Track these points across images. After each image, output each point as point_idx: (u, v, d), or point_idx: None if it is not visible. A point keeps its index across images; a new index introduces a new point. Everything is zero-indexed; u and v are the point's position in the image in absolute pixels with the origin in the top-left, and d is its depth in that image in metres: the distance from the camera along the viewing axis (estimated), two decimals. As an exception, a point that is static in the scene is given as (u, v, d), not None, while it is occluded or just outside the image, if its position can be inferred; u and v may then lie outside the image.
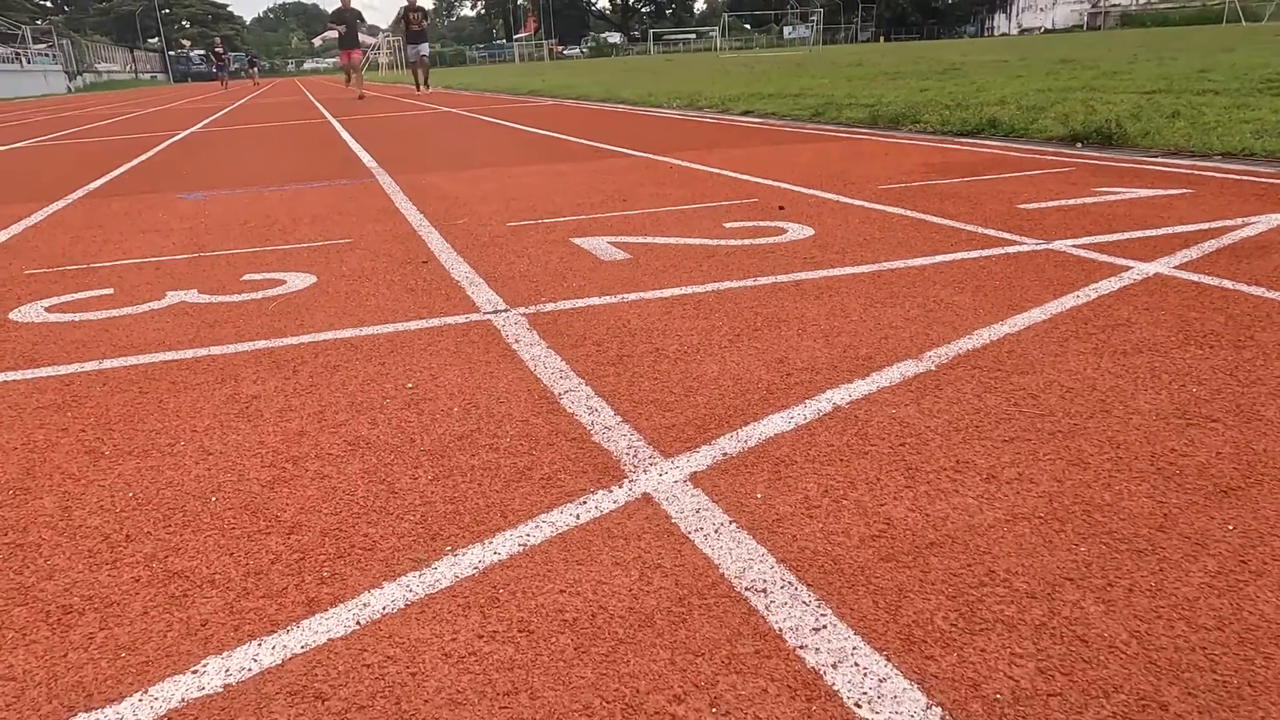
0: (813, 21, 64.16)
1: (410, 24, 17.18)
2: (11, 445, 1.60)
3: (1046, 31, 77.21)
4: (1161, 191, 3.52)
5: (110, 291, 2.73)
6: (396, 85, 25.94)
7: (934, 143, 5.57)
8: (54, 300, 2.64)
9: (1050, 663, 0.92)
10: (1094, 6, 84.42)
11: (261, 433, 1.61)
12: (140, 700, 0.94)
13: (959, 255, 2.65)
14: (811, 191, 3.90)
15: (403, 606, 1.07)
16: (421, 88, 17.80)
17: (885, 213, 3.35)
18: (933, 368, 1.76)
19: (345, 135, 8.64)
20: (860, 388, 1.67)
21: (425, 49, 17.56)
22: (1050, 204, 3.37)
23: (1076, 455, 1.37)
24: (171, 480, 1.44)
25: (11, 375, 1.98)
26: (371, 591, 1.11)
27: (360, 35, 18.08)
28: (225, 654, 1.00)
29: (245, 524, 1.29)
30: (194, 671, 0.98)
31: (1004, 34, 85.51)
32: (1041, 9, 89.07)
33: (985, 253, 2.67)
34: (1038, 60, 14.90)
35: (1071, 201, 3.40)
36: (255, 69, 46.39)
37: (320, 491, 1.38)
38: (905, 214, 3.30)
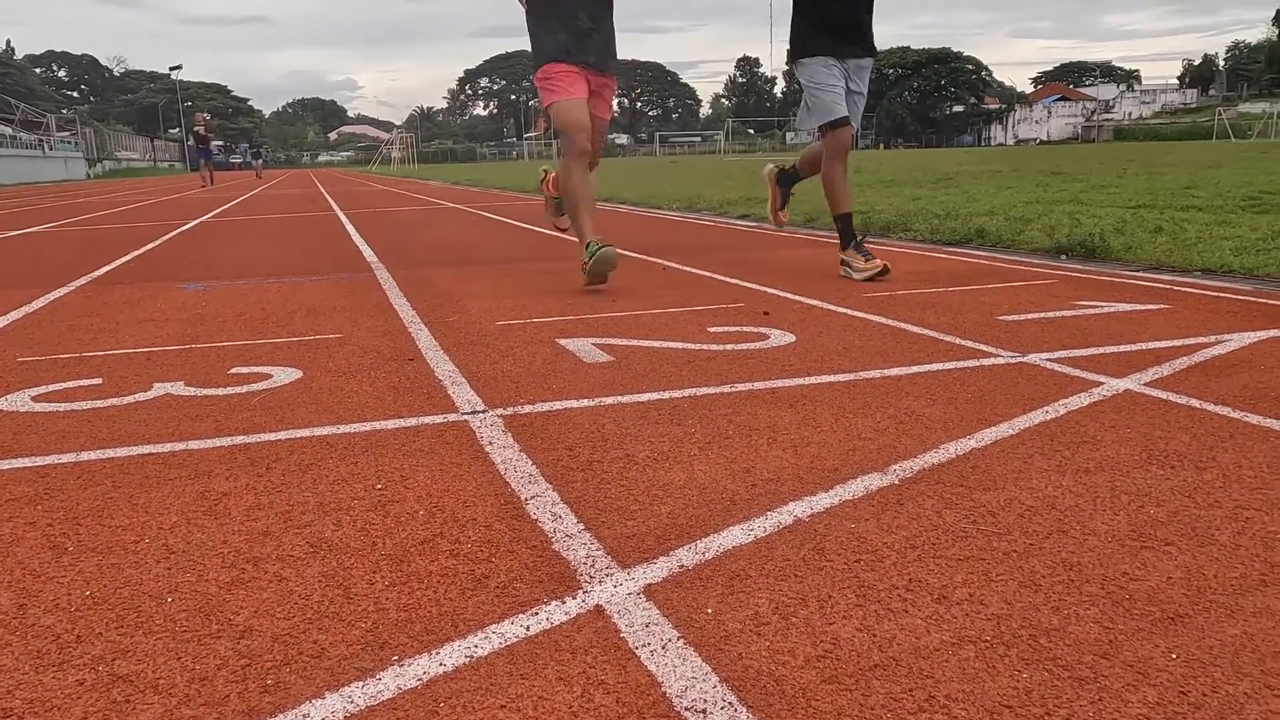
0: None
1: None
2: (-23, 538, 1.61)
3: (1042, 143, 79.53)
4: (1140, 306, 3.59)
5: (99, 381, 2.77)
6: (407, 180, 26.59)
7: (923, 251, 5.70)
8: (41, 389, 2.68)
9: (981, 795, 0.92)
10: (1088, 120, 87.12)
11: (226, 531, 1.62)
12: (65, 811, 0.93)
13: (935, 366, 2.70)
14: (797, 298, 3.98)
15: (342, 719, 1.07)
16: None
17: (868, 320, 3.41)
18: (896, 481, 1.78)
19: (350, 228, 8.83)
20: (823, 500, 1.69)
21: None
22: (1030, 316, 3.44)
23: (1029, 576, 1.38)
24: (130, 579, 1.45)
25: (-12, 466, 2.00)
26: (313, 701, 1.10)
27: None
28: (157, 764, 1.00)
29: (197, 627, 1.29)
30: (124, 782, 0.97)
31: (1000, 144, 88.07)
32: (1037, 121, 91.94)
33: (961, 364, 2.71)
34: (1029, 171, 15.32)
35: (1051, 314, 3.47)
36: (259, 160, 44.92)
37: (276, 594, 1.38)
38: (887, 323, 3.37)
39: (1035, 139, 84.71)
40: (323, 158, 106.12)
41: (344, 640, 1.25)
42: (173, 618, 1.32)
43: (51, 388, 2.70)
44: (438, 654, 1.20)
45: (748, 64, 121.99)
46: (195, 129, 28.75)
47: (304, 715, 1.08)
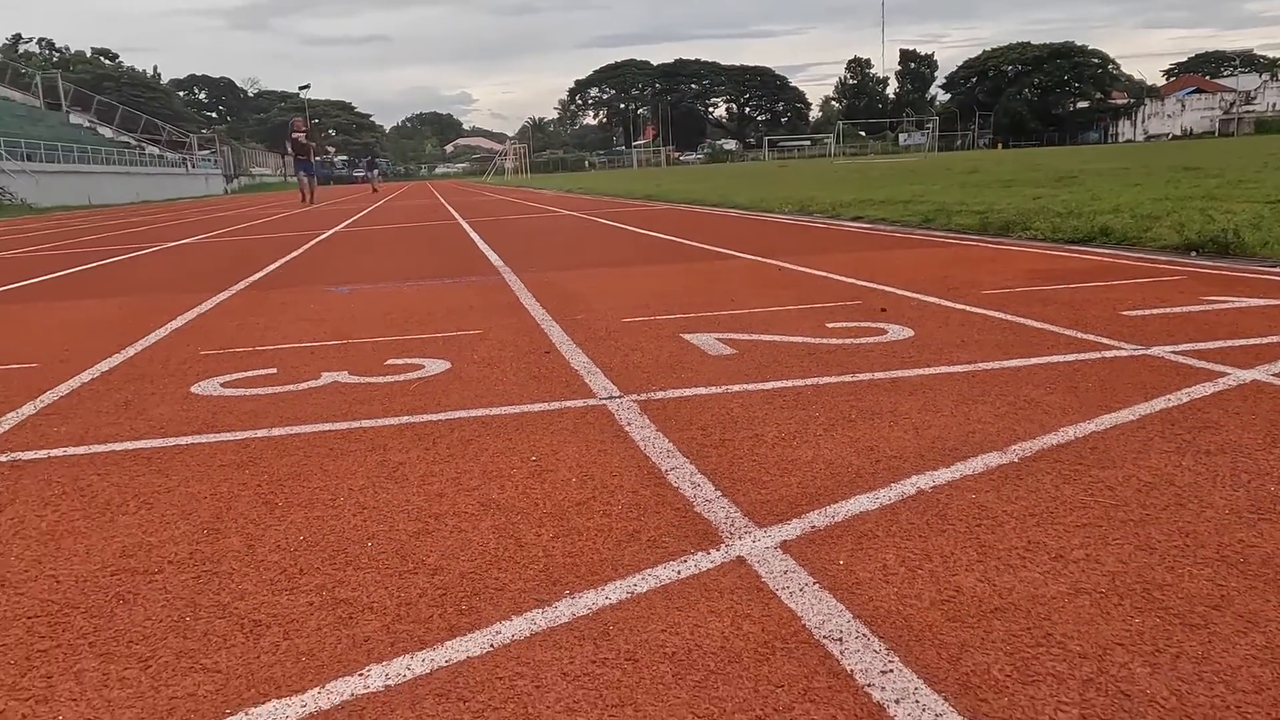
0: (928, 129, 64.59)
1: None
2: (202, 495, 1.89)
3: (1174, 138, 75.39)
4: (1272, 301, 3.52)
5: (274, 371, 3.10)
6: (520, 189, 27.35)
7: (1043, 250, 5.64)
8: (227, 377, 3.02)
9: (1092, 711, 1.04)
10: (1226, 113, 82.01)
11: (407, 493, 1.86)
12: (319, 693, 1.15)
13: (1055, 358, 2.75)
14: (914, 295, 4.04)
15: (528, 635, 1.27)
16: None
17: (986, 316, 3.46)
18: (1015, 459, 1.87)
19: (473, 235, 9.25)
20: (944, 475, 1.81)
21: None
22: (1154, 311, 3.42)
23: (1145, 541, 1.47)
24: (333, 528, 1.69)
25: (198, 438, 2.31)
26: (502, 623, 1.30)
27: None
28: (384, 663, 1.21)
29: (396, 565, 1.52)
30: (360, 674, 1.19)
31: (1128, 140, 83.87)
32: (1169, 115, 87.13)
33: (1081, 356, 2.76)
34: (1159, 168, 14.69)
35: (1176, 309, 3.44)
36: (375, 171, 41.66)
37: (458, 542, 1.60)
38: (1005, 318, 3.41)
39: (1167, 134, 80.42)
40: (439, 170, 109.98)
41: (521, 578, 1.45)
42: (374, 558, 1.55)
43: (235, 376, 3.04)
44: (603, 590, 1.39)
45: (859, 65, 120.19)
46: (293, 135, 21.77)
47: (496, 633, 1.28)
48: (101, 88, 68.91)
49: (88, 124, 53.07)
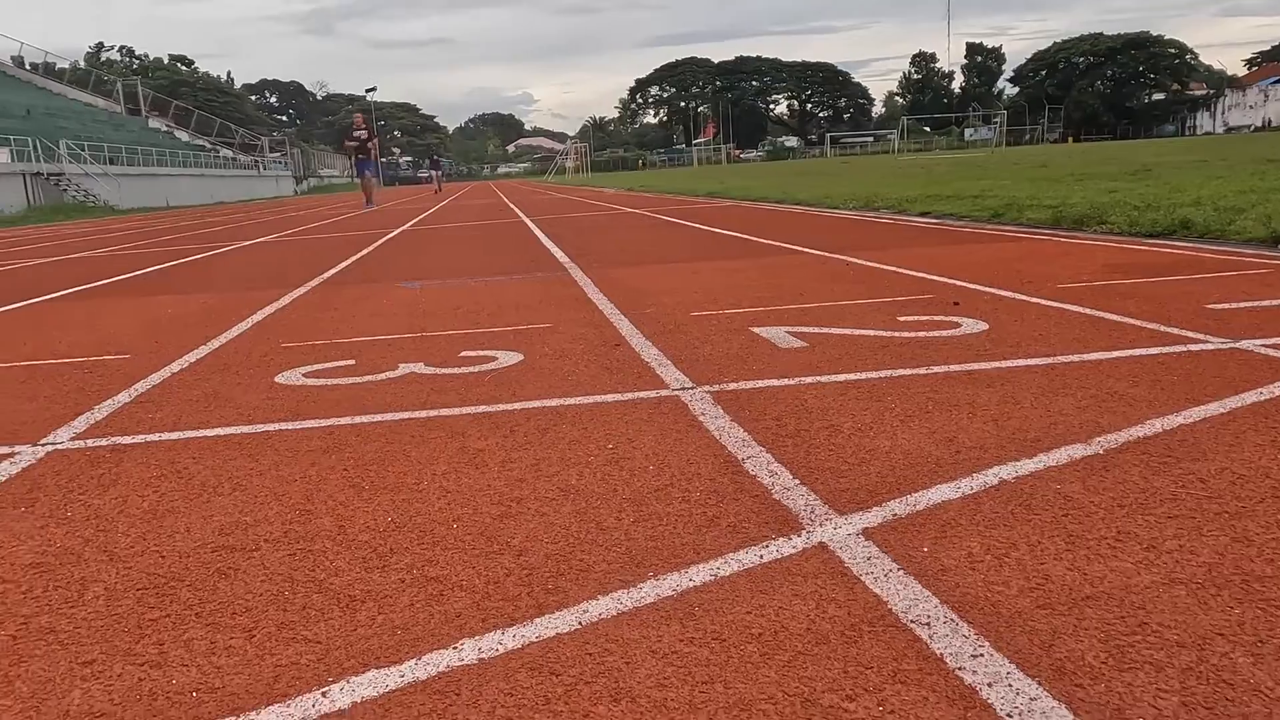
0: (995, 123, 63.23)
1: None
2: (292, 478, 1.96)
3: (1256, 129, 72.59)
4: (1369, 294, 3.38)
5: (352, 362, 3.18)
6: (582, 187, 27.52)
7: (1120, 244, 5.49)
8: (308, 368, 3.11)
9: (1194, 699, 1.02)
10: (1313, 102, 78.68)
11: (488, 478, 1.89)
12: (416, 664, 1.19)
13: (1138, 351, 2.68)
14: (987, 289, 3.97)
15: (615, 614, 1.29)
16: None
17: (1063, 310, 3.39)
18: (1101, 451, 1.84)
19: (538, 233, 9.35)
20: (1026, 465, 1.78)
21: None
22: (1241, 305, 3.31)
23: (1241, 533, 1.43)
24: (419, 510, 1.74)
25: (285, 425, 2.38)
26: (589, 602, 1.33)
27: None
28: (477, 637, 1.25)
29: (482, 546, 1.55)
30: (454, 648, 1.22)
31: (1207, 132, 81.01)
32: (1251, 106, 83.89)
33: (1166, 349, 2.69)
34: (1242, 160, 14.17)
35: (1265, 303, 3.33)
36: (438, 172, 39.20)
37: (540, 525, 1.63)
38: (1084, 311, 3.34)
39: (1249, 125, 77.42)
40: (501, 169, 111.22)
41: (604, 560, 1.47)
42: (460, 539, 1.59)
43: (316, 367, 3.13)
44: (687, 572, 1.40)
45: (923, 59, 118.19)
46: (355, 133, 20.39)
47: (584, 610, 1.30)
48: (178, 93, 71.24)
49: (165, 128, 54.94)
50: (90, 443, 2.32)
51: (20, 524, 1.78)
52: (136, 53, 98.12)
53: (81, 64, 66.16)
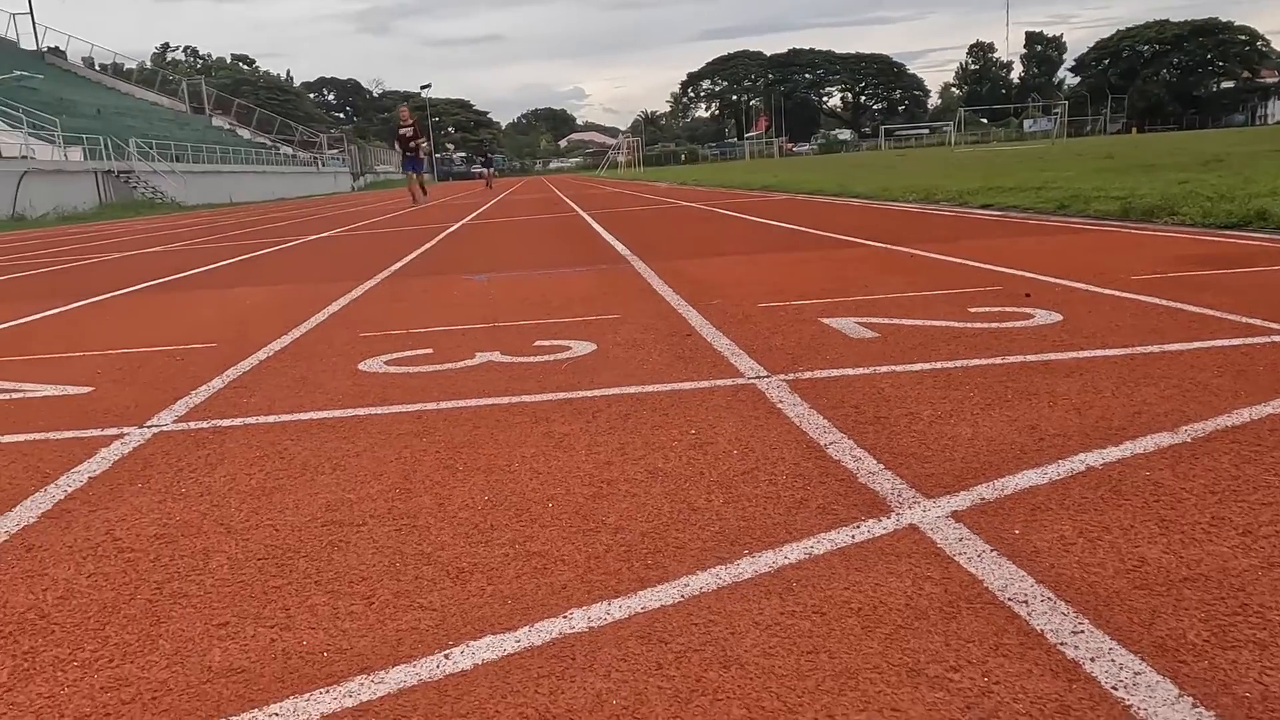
0: (1056, 114, 61.76)
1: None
2: (389, 459, 2.04)
3: (1332, 118, 69.97)
4: None
5: (430, 351, 3.27)
6: (634, 181, 27.57)
7: (1193, 235, 5.38)
8: (389, 356, 3.21)
9: (1300, 676, 1.04)
10: (1393, 89, 75.62)
11: (576, 460, 1.96)
12: (529, 631, 1.25)
13: (1219, 342, 2.65)
14: (1058, 280, 3.94)
15: (715, 589, 1.34)
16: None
17: (1138, 301, 3.35)
18: (1189, 440, 1.84)
19: (596, 226, 9.42)
20: (1113, 453, 1.79)
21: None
22: (1326, 296, 3.24)
23: (1339, 520, 1.43)
24: (514, 490, 1.80)
25: (374, 410, 2.47)
26: (689, 576, 1.38)
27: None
28: (585, 608, 1.30)
29: (578, 524, 1.61)
30: (564, 617, 1.28)
31: (1279, 122, 78.27)
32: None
33: (1249, 340, 2.65)
34: (1319, 149, 13.70)
35: (1351, 294, 3.25)
36: (490, 169, 38.30)
37: (633, 505, 1.68)
38: (1160, 303, 3.29)
39: (1324, 114, 74.59)
40: (553, 165, 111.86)
41: (699, 538, 1.52)
42: (557, 517, 1.65)
43: (395, 355, 3.22)
44: (781, 550, 1.45)
45: (981, 49, 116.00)
46: (401, 130, 20.27)
47: (684, 585, 1.35)
48: (240, 91, 72.92)
49: (228, 126, 56.30)
50: (193, 425, 2.44)
51: (139, 499, 1.88)
52: (200, 52, 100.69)
53: (148, 64, 68.08)
